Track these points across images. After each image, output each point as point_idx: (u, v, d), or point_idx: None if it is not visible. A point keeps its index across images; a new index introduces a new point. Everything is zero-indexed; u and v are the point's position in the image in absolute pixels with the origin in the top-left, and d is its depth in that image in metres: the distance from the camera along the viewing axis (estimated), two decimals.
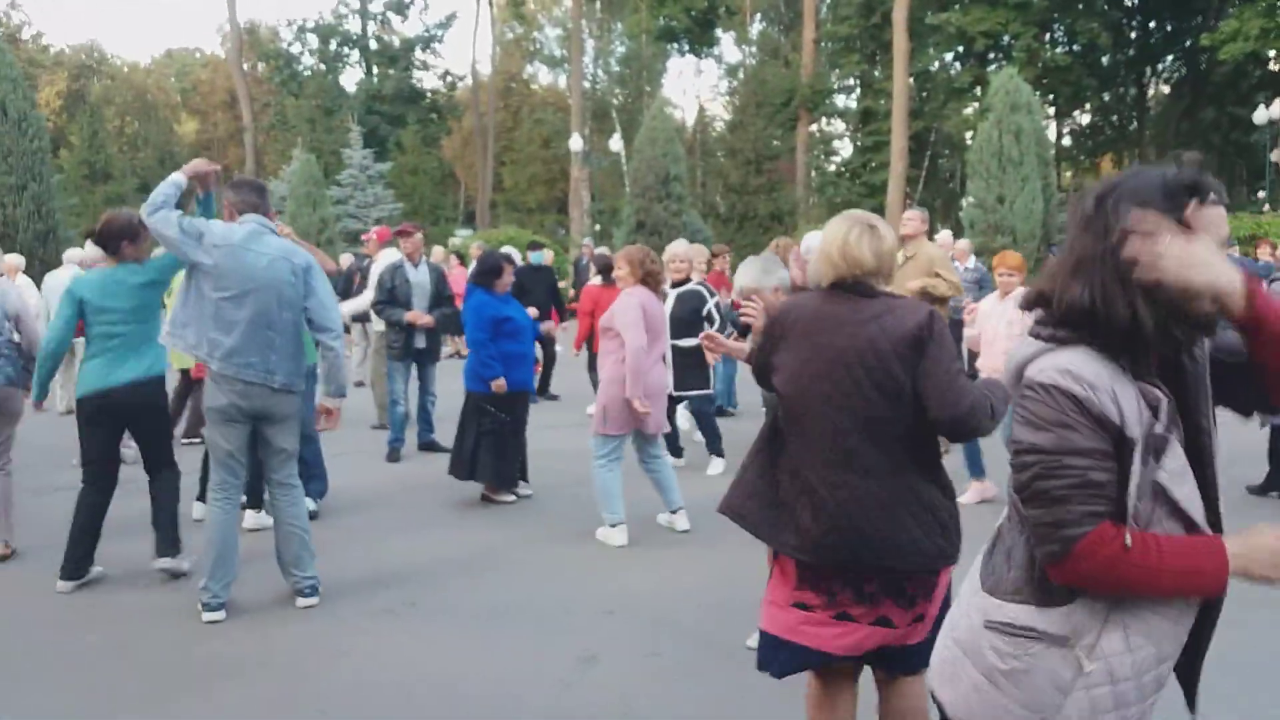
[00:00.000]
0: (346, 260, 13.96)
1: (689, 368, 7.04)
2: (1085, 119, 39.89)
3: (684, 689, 3.75)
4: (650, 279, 5.67)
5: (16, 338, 5.34)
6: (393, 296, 7.77)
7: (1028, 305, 1.73)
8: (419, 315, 7.76)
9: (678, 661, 4.01)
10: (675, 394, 6.76)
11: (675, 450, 7.39)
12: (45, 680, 3.88)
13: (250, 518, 5.86)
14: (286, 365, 4.45)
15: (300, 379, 4.56)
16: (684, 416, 8.16)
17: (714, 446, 7.42)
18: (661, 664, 3.99)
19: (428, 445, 8.20)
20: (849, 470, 2.49)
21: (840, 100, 38.94)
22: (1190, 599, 1.62)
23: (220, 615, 4.42)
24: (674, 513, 5.85)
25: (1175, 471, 1.59)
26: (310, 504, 5.66)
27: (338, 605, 4.68)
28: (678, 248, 7.06)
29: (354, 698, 3.70)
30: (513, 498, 6.65)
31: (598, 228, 34.77)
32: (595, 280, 9.47)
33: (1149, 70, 36.52)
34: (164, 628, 4.37)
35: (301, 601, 4.62)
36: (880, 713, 2.77)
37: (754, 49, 43.60)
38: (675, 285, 7.21)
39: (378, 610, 4.63)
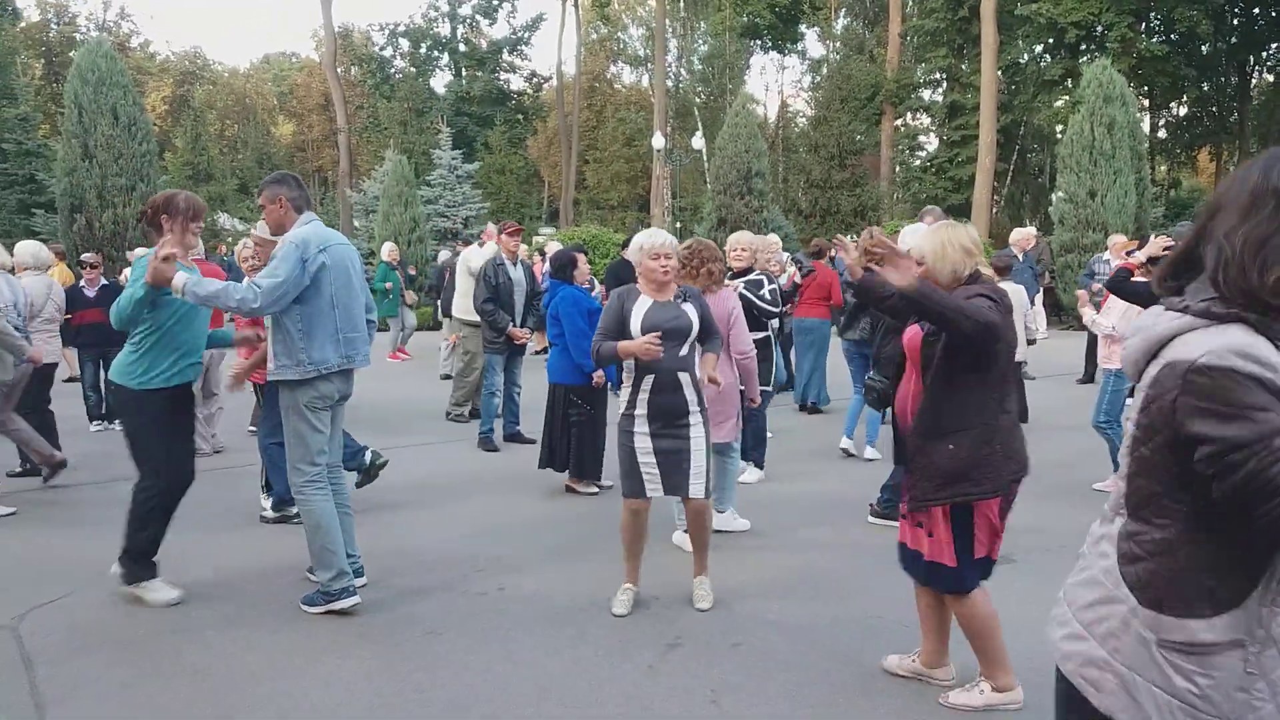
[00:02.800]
0: (444, 256, 14.37)
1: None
2: (1182, 110, 38.50)
3: (767, 676, 3.85)
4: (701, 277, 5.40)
5: None
6: (497, 293, 8.07)
7: (1173, 275, 1.67)
8: (518, 332, 8.12)
9: (761, 650, 4.11)
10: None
11: (760, 462, 7.18)
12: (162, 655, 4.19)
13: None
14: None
15: None
16: None
17: (757, 455, 7.11)
18: (745, 652, 4.09)
19: (513, 436, 8.45)
20: None
21: (926, 94, 38.34)
22: None
23: (358, 598, 4.55)
24: (719, 512, 5.73)
25: None
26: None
27: (430, 588, 4.90)
28: (741, 237, 7.01)
29: (448, 673, 3.90)
30: (595, 489, 6.82)
31: (679, 225, 34.87)
32: None
33: (1252, 59, 35.09)
34: (274, 607, 4.64)
35: (358, 581, 4.70)
36: None
37: (838, 44, 43.22)
38: (737, 275, 6.83)
39: (470, 593, 4.83)
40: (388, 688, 3.79)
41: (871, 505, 6.05)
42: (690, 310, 4.47)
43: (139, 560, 4.69)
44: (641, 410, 4.38)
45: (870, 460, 7.65)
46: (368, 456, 6.18)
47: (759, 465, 7.17)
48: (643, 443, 4.38)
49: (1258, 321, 1.52)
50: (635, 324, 4.37)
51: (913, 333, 3.59)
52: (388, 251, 15.23)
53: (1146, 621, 1.65)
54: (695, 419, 4.44)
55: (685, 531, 5.24)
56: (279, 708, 3.62)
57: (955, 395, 3.32)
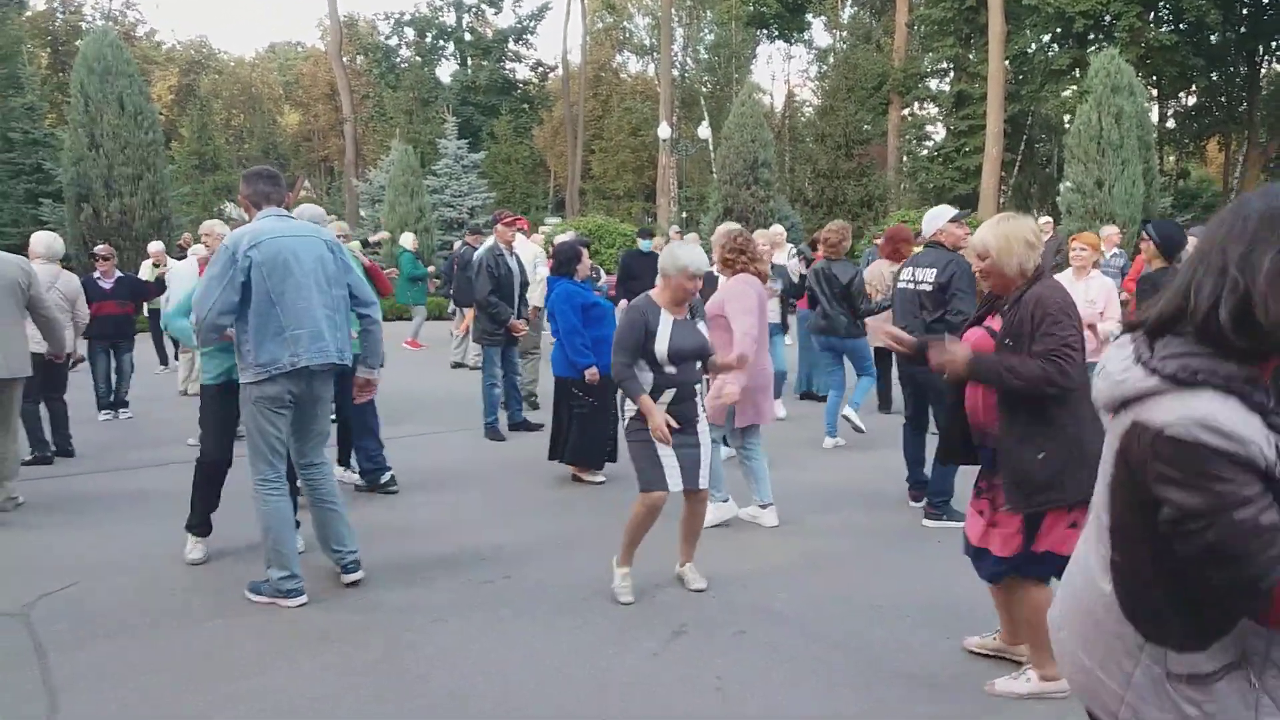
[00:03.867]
0: (458, 246, 14.42)
1: None
2: (1191, 100, 38.32)
3: (770, 665, 3.88)
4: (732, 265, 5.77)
5: None
6: (499, 284, 8.08)
7: (1160, 331, 1.60)
8: (518, 324, 8.18)
9: (764, 638, 4.14)
10: None
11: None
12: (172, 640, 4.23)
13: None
14: (346, 340, 4.60)
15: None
16: None
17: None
18: (748, 640, 4.12)
19: (519, 425, 8.49)
20: None
21: (933, 84, 38.21)
22: None
23: (304, 599, 4.53)
24: (763, 507, 5.79)
25: None
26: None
27: (436, 577, 4.93)
28: (756, 233, 7.17)
29: (450, 661, 3.93)
30: (602, 478, 6.85)
31: (685, 214, 34.85)
32: None
33: (1261, 48, 34.89)
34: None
35: (347, 578, 4.72)
36: None
37: (845, 33, 43.07)
38: None
39: (476, 582, 4.86)
40: (391, 675, 3.82)
41: (926, 509, 5.91)
42: (704, 328, 4.61)
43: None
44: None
45: (836, 448, 7.79)
46: (385, 476, 6.48)
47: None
48: (660, 442, 4.40)
49: (1231, 383, 1.49)
50: (661, 346, 4.36)
51: (979, 335, 3.54)
52: (410, 241, 15.26)
53: (1153, 655, 1.67)
54: (702, 421, 4.60)
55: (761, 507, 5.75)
56: (284, 694, 3.66)
57: (1037, 403, 3.29)
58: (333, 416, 5.04)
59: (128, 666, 3.91)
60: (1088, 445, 3.19)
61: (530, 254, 9.76)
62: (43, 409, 7.48)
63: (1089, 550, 1.80)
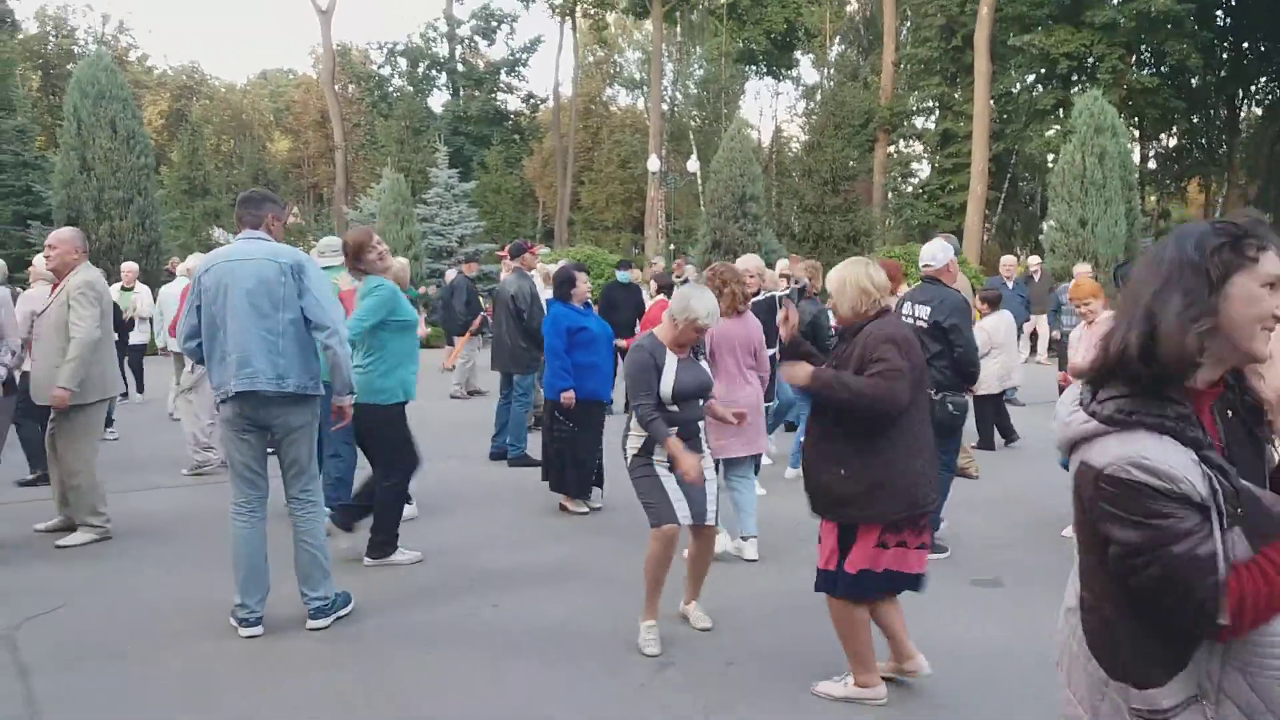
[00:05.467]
0: (451, 276, 14.43)
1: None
2: (1172, 141, 38.90)
3: (759, 696, 3.90)
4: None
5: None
6: (535, 316, 8.35)
7: (1102, 379, 1.72)
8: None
9: (754, 671, 4.15)
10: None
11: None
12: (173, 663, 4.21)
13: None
14: (297, 367, 4.40)
15: (315, 383, 4.50)
16: None
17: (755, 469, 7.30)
18: (737, 673, 4.14)
19: (500, 455, 8.56)
20: None
21: (919, 122, 38.67)
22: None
23: (258, 630, 4.47)
24: (744, 539, 5.78)
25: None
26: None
27: (423, 603, 4.93)
28: (750, 260, 7.17)
29: (436, 690, 3.93)
30: (586, 509, 6.85)
31: (672, 247, 35.00)
32: (658, 297, 9.88)
33: (1241, 92, 35.52)
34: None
35: (311, 624, 4.54)
36: None
37: (832, 71, 43.56)
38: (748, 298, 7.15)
39: (462, 610, 4.86)
40: (375, 703, 3.82)
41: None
42: (706, 366, 4.64)
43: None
44: (661, 455, 4.40)
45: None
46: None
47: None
48: (666, 477, 4.40)
49: (1165, 422, 1.60)
50: (667, 388, 4.38)
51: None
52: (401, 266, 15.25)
53: (1117, 690, 1.74)
54: (707, 458, 4.61)
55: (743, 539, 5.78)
56: (268, 719, 3.66)
57: (851, 425, 3.61)
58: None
59: (112, 690, 3.91)
60: (898, 471, 3.55)
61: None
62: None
63: (1070, 590, 1.89)
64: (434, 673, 4.10)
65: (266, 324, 4.34)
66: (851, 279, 3.71)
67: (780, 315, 4.10)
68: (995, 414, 9.28)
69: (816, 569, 3.84)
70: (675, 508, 4.38)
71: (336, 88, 43.46)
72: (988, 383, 8.38)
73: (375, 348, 5.51)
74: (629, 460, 4.48)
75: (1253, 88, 35.59)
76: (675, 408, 4.40)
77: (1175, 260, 1.68)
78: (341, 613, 4.67)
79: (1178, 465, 1.57)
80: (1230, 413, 1.75)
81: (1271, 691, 1.64)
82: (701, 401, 4.55)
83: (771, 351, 6.72)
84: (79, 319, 5.74)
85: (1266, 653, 1.64)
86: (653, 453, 4.40)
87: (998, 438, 9.37)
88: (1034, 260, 17.72)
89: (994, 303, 9.17)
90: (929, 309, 5.61)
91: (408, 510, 6.37)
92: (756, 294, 7.05)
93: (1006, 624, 4.72)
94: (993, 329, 8.88)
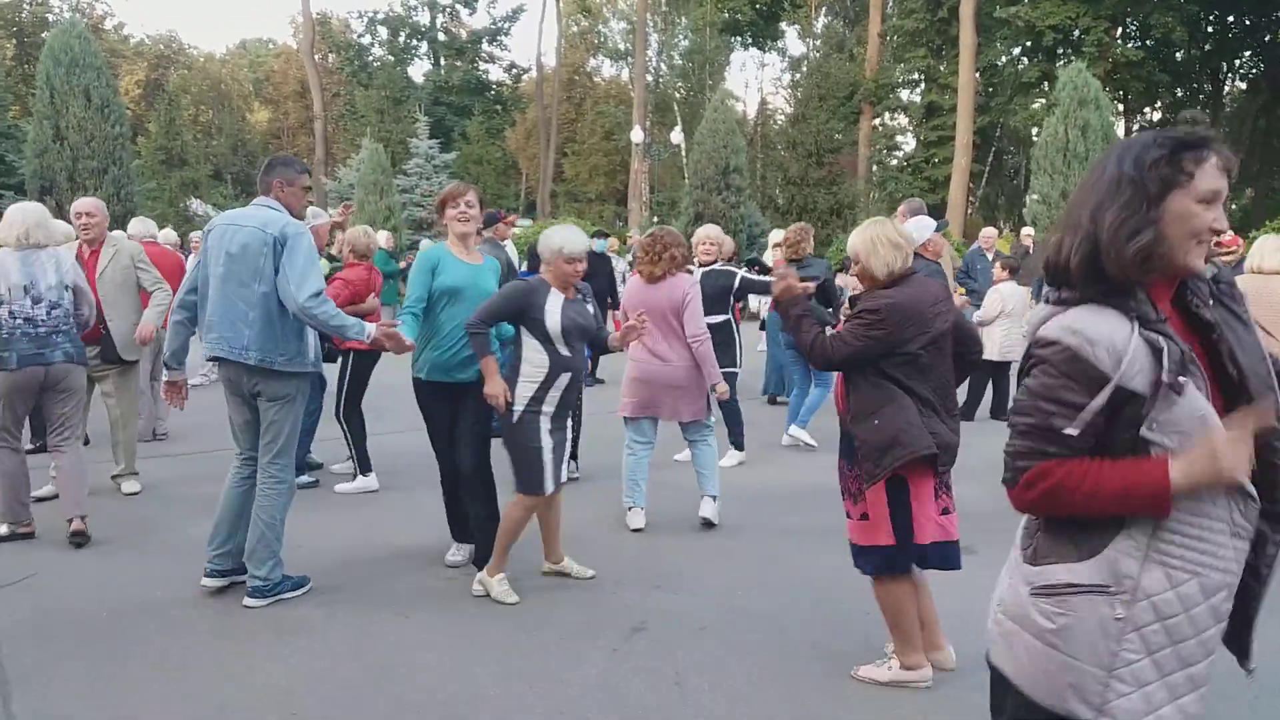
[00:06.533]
0: (426, 245, 14.32)
1: (714, 346, 7.02)
2: (1156, 115, 38.95)
3: (731, 661, 3.90)
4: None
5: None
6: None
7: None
8: None
9: (726, 635, 4.15)
10: None
11: (738, 443, 7.36)
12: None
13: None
14: (260, 340, 4.29)
15: (287, 358, 4.37)
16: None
17: (734, 436, 7.31)
18: (710, 637, 4.14)
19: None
20: None
21: (904, 94, 38.57)
22: (1214, 527, 1.66)
23: (218, 582, 4.52)
24: (702, 498, 5.75)
25: (1168, 422, 1.63)
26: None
27: (401, 571, 4.92)
28: (709, 230, 7.20)
29: (414, 654, 3.91)
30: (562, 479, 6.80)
31: (656, 219, 34.90)
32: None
33: (1225, 66, 35.57)
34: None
35: (247, 600, 4.39)
36: None
37: (818, 42, 43.35)
38: (702, 265, 7.10)
39: (440, 577, 4.85)
40: (354, 668, 3.80)
41: None
42: (594, 310, 4.66)
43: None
44: (550, 408, 4.41)
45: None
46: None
47: (739, 447, 7.33)
48: (545, 439, 4.41)
49: (1109, 298, 1.68)
50: (553, 320, 4.36)
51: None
52: (385, 239, 15.18)
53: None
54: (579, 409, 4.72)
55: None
56: (240, 687, 3.63)
57: (875, 373, 3.50)
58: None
59: (85, 659, 3.87)
60: (913, 410, 3.42)
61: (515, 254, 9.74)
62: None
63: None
64: (410, 638, 4.08)
65: (242, 294, 4.30)
66: (880, 236, 3.57)
67: (778, 273, 3.99)
68: (995, 386, 9.19)
69: (859, 549, 3.60)
70: (546, 478, 4.42)
71: (316, 57, 42.95)
72: (988, 350, 8.31)
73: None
74: (519, 406, 4.38)
75: (1237, 62, 35.66)
76: (567, 351, 4.41)
77: (1114, 176, 1.72)
78: (287, 595, 4.51)
79: (1105, 332, 1.64)
80: (1213, 302, 1.78)
81: (1194, 597, 1.66)
82: (587, 348, 4.53)
83: (719, 319, 6.72)
84: (157, 280, 6.43)
85: (1200, 559, 1.66)
86: (539, 417, 4.39)
87: (983, 410, 9.27)
88: (1027, 231, 17.66)
89: (1014, 271, 9.20)
90: None
91: (366, 481, 6.55)
92: (713, 263, 7.04)
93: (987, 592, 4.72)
94: (1008, 294, 8.90)
